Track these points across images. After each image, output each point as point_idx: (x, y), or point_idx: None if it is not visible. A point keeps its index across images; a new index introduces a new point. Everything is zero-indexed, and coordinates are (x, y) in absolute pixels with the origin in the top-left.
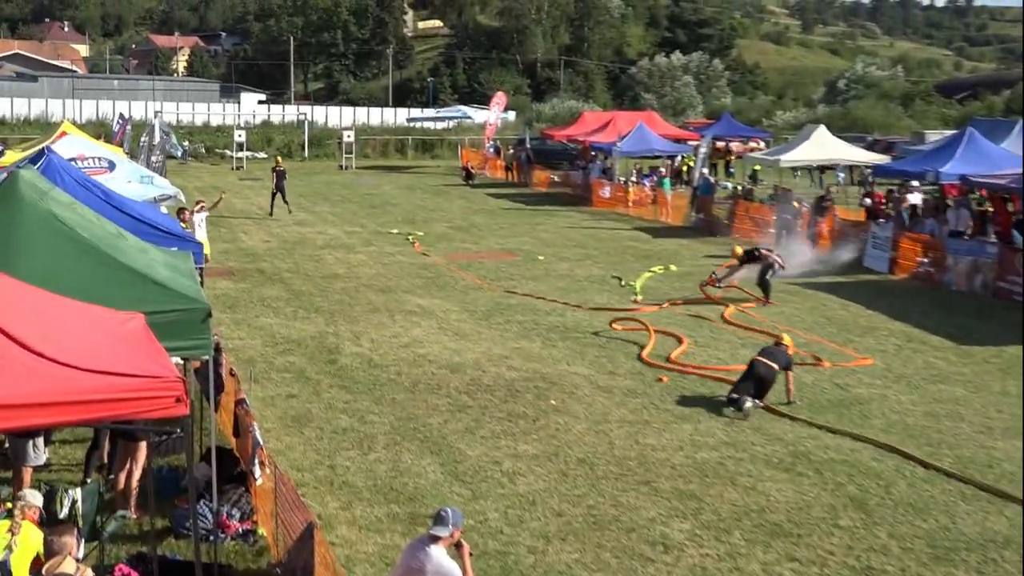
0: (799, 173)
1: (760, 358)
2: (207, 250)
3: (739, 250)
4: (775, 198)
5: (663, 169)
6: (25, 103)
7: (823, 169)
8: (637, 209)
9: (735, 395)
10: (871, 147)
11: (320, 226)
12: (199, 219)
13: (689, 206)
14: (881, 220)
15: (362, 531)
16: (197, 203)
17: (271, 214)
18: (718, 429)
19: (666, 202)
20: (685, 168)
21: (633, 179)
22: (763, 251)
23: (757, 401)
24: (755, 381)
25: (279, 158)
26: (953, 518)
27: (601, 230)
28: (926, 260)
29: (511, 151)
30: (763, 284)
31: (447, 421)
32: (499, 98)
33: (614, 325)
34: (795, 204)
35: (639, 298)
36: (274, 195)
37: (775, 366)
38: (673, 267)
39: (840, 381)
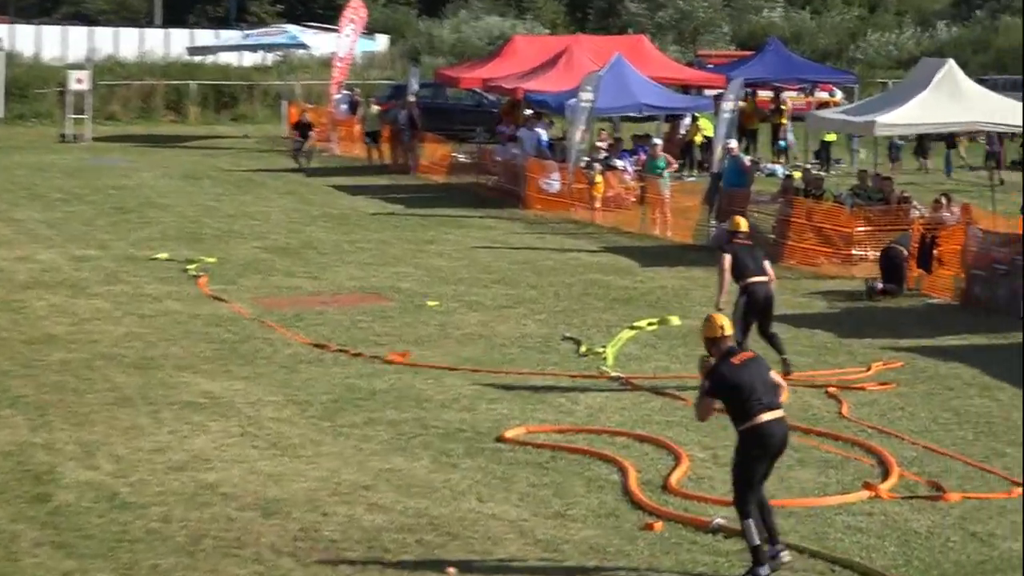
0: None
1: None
2: None
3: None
4: (859, 193)
5: (657, 141)
6: None
7: (953, 140)
8: (610, 214)
9: None
10: None
11: (23, 247)
12: None
13: (705, 207)
14: None
15: None
16: None
17: None
18: None
19: (662, 201)
20: (698, 139)
21: (603, 159)
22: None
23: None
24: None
25: None
26: None
27: (544, 252)
28: None
29: (377, 108)
30: (768, 338)
31: None
32: (356, 9)
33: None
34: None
35: (610, 372)
36: None
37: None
38: (674, 319)
39: (978, 528)
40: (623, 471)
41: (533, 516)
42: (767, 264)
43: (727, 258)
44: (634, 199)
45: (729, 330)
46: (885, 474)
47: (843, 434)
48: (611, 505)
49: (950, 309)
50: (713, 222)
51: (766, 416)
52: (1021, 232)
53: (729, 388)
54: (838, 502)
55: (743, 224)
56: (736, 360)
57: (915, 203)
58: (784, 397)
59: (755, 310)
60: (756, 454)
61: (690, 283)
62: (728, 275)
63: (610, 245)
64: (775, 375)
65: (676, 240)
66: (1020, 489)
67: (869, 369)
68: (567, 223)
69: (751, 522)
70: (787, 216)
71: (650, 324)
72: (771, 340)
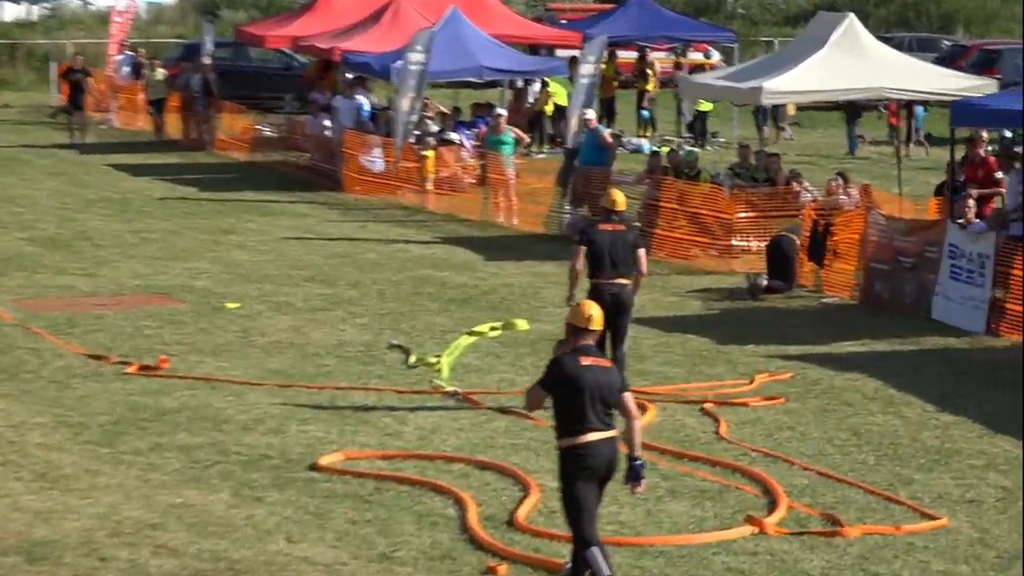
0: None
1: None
2: None
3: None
4: (740, 173)
5: (501, 111)
6: None
7: (855, 111)
8: (444, 198)
9: None
10: (951, 60)
11: None
12: None
13: (557, 189)
14: (961, 220)
15: None
16: None
17: None
18: None
19: (506, 182)
20: (549, 109)
21: (437, 132)
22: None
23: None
24: None
25: None
26: None
27: (366, 243)
28: None
29: (164, 72)
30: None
31: None
32: None
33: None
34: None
35: (445, 386)
36: None
37: None
38: (522, 323)
39: (881, 568)
40: (461, 504)
41: (353, 559)
42: (640, 255)
43: (580, 251)
44: (473, 180)
45: (597, 325)
46: (772, 505)
47: (722, 459)
48: (446, 545)
49: (847, 309)
50: (567, 207)
51: (591, 436)
52: (931, 219)
53: (563, 384)
54: (716, 539)
55: (620, 201)
56: (585, 360)
57: (806, 184)
58: (636, 432)
59: None
60: (579, 475)
61: (540, 280)
62: (578, 271)
63: (445, 235)
64: (629, 400)
65: (523, 229)
66: (943, 520)
67: (752, 381)
68: (393, 209)
69: (596, 550)
70: (655, 200)
71: (493, 329)
72: (616, 362)
